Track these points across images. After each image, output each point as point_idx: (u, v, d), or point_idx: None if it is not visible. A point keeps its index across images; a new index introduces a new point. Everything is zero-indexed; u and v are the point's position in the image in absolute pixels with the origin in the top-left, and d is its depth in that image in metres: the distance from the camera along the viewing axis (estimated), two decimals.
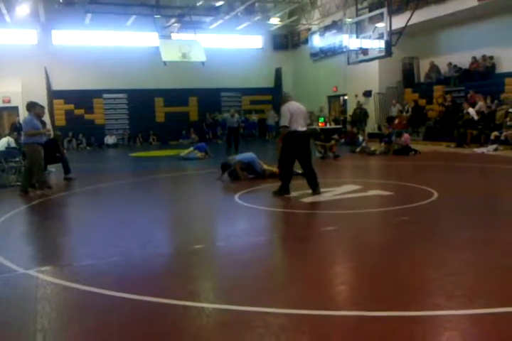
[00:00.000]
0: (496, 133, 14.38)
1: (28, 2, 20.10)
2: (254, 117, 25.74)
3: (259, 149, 15.00)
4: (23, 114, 17.73)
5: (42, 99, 17.33)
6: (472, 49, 17.39)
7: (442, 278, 3.79)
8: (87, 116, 24.33)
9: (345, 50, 17.81)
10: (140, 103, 24.44)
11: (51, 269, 4.44)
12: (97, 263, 4.52)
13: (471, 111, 15.68)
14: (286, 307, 3.33)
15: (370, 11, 17.09)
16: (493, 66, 17.09)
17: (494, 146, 13.85)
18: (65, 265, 4.65)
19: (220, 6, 21.12)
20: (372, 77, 20.51)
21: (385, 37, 14.63)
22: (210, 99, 25.54)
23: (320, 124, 20.17)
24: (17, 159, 10.79)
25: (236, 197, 7.86)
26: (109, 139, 24.12)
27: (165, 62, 19.07)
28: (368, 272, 4.12)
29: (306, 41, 25.27)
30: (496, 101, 15.75)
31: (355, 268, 4.30)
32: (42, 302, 3.58)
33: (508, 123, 14.27)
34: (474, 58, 17.54)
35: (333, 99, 24.84)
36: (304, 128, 7.71)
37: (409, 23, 15.30)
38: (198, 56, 19.69)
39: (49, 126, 16.38)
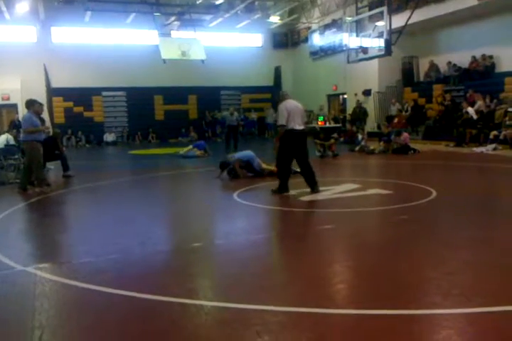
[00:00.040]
0: (495, 132, 14.38)
1: None
2: (254, 115, 25.73)
3: (259, 147, 15.00)
4: (22, 112, 17.74)
5: (41, 97, 17.30)
6: (472, 48, 17.38)
7: (441, 277, 3.79)
8: (86, 114, 24.29)
9: (345, 48, 17.82)
10: (139, 101, 24.42)
11: (50, 266, 4.45)
12: (96, 261, 4.52)
13: (471, 110, 15.68)
14: (284, 305, 3.33)
15: (370, 9, 17.06)
16: (493, 65, 17.07)
17: (493, 146, 13.86)
18: (63, 262, 4.65)
19: (220, 4, 21.11)
20: (371, 75, 20.50)
21: (385, 36, 14.61)
22: (210, 97, 25.52)
23: (319, 123, 20.17)
24: (16, 156, 10.79)
25: (235, 195, 7.86)
26: (109, 137, 24.11)
27: (164, 60, 19.06)
28: (367, 270, 4.13)
29: (306, 40, 25.27)
30: (495, 101, 15.75)
31: (354, 267, 4.31)
32: (40, 300, 3.58)
33: (507, 122, 14.27)
34: (474, 57, 17.53)
35: (332, 97, 24.83)
36: (302, 127, 7.70)
37: (409, 22, 15.29)
38: (197, 54, 19.67)
39: (48, 123, 16.35)
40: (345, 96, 23.16)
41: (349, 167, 12.93)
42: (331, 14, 22.46)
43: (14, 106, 21.86)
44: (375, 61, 18.25)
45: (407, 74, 20.63)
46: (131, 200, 8.27)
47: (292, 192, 7.75)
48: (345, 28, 18.53)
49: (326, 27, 22.89)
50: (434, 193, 7.37)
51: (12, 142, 11.71)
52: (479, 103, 15.98)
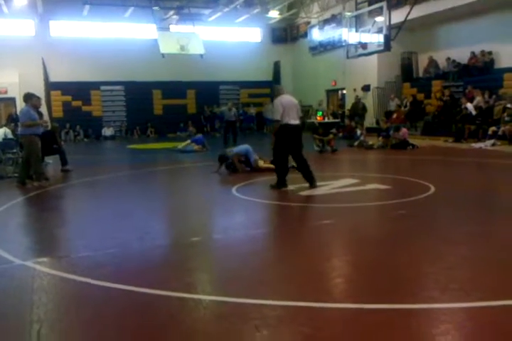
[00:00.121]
0: (493, 128, 14.39)
1: None
2: (253, 110, 25.66)
3: (257, 142, 14.97)
4: (20, 105, 17.67)
5: (39, 91, 17.25)
6: (471, 44, 17.35)
7: (439, 272, 3.80)
8: (85, 108, 24.21)
9: (344, 43, 17.79)
10: (138, 95, 24.34)
11: (48, 260, 4.44)
12: (94, 255, 4.52)
13: (469, 106, 15.68)
14: (283, 300, 3.33)
15: (370, 4, 17.00)
16: (492, 61, 17.06)
17: (492, 141, 13.87)
18: (62, 256, 4.65)
19: None
20: (370, 71, 20.47)
21: (384, 31, 14.60)
22: (209, 91, 25.45)
23: (318, 118, 20.17)
24: (14, 150, 10.77)
25: (233, 190, 7.86)
26: (107, 131, 24.05)
27: (163, 55, 19.01)
28: (365, 265, 4.13)
29: (305, 35, 25.19)
30: (494, 97, 15.75)
31: (352, 261, 4.32)
32: (39, 294, 3.58)
33: (506, 118, 14.27)
34: (473, 53, 17.50)
35: (331, 93, 24.79)
36: (297, 122, 7.70)
37: (409, 17, 15.27)
38: (196, 48, 19.63)
39: (46, 117, 16.31)
40: (344, 91, 23.12)
41: (348, 162, 12.93)
42: (330, 9, 22.37)
43: (12, 100, 21.78)
44: (374, 56, 18.22)
45: (406, 70, 20.60)
46: (130, 195, 8.27)
47: (291, 187, 7.75)
48: (344, 23, 18.48)
49: (326, 22, 22.82)
50: (433, 188, 7.38)
51: (10, 136, 11.69)
52: (478, 99, 15.98)
